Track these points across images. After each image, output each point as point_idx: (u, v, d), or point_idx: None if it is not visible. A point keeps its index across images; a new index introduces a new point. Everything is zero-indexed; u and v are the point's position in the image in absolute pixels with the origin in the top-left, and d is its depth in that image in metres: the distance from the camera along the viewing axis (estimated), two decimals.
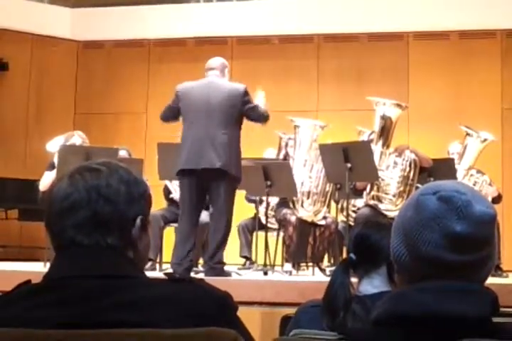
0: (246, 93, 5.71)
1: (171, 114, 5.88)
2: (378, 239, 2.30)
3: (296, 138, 6.85)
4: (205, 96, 5.68)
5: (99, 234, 1.44)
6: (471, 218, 1.33)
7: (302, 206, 6.67)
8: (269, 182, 6.30)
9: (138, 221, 1.49)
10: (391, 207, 6.28)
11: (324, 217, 6.72)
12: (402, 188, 6.33)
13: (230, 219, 5.79)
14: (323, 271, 6.59)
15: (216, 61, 5.90)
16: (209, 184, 5.66)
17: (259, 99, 5.88)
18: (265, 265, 6.43)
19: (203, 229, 6.25)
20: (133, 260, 1.48)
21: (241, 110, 5.68)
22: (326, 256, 7.11)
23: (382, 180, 6.33)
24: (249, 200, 7.22)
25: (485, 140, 6.88)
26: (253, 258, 7.10)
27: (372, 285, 2.30)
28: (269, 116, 5.82)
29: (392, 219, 1.47)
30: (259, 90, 5.95)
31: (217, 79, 5.80)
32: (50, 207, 1.47)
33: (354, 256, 2.24)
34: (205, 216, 6.13)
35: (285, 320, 2.54)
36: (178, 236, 5.84)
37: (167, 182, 7.00)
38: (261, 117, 5.78)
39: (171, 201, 7.00)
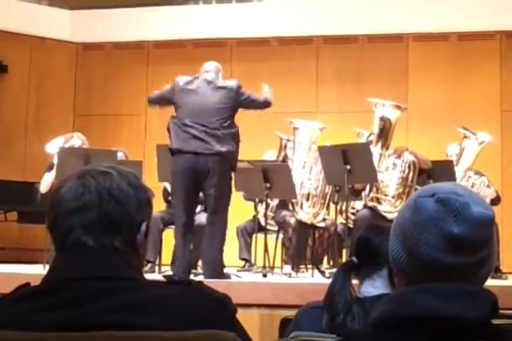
0: (239, 86, 5.94)
1: (160, 101, 6.16)
2: (379, 242, 2.29)
3: (295, 139, 6.85)
4: (201, 90, 5.87)
5: (107, 235, 1.44)
6: (468, 220, 1.32)
7: (301, 208, 6.66)
8: (268, 184, 6.29)
9: (143, 227, 1.49)
10: (390, 209, 6.27)
11: (323, 219, 6.71)
12: (401, 190, 6.33)
13: (226, 214, 5.82)
14: (322, 273, 6.59)
15: (211, 64, 6.13)
16: (205, 171, 5.70)
17: (266, 91, 6.09)
18: (264, 267, 6.42)
19: (203, 231, 6.23)
20: (134, 263, 1.48)
21: (237, 101, 5.88)
22: (325, 258, 7.10)
23: (382, 181, 6.33)
24: (248, 199, 7.19)
25: (482, 142, 6.87)
26: (252, 260, 7.09)
27: (373, 286, 2.30)
28: (269, 101, 5.99)
29: (391, 220, 1.47)
30: (264, 85, 6.13)
31: (211, 76, 6.00)
32: (58, 207, 1.46)
33: (356, 259, 2.23)
34: (204, 218, 6.11)
35: (284, 323, 2.53)
36: (176, 237, 5.83)
37: (166, 184, 6.98)
38: (262, 103, 6.01)
39: (170, 203, 6.98)
